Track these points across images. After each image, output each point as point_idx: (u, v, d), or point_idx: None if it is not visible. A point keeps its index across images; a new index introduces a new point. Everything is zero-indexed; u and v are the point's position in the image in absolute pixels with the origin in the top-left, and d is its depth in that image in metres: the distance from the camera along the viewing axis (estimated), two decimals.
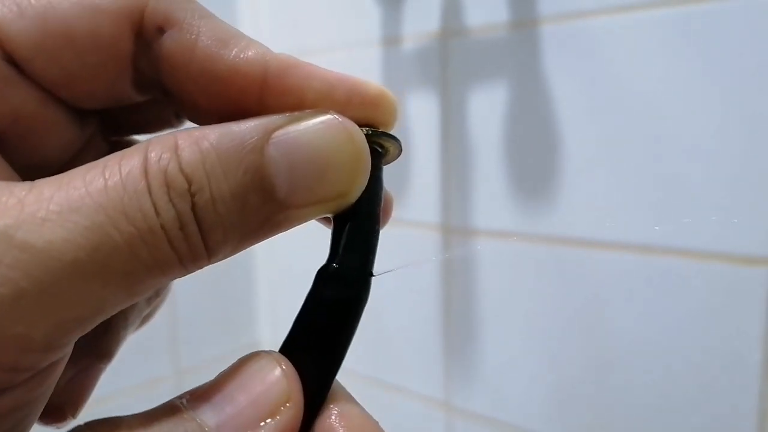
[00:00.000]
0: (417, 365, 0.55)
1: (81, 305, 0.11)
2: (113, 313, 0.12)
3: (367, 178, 0.14)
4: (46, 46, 0.13)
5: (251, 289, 0.69)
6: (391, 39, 0.53)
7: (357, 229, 0.14)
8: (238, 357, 0.14)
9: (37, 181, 0.12)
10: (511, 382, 0.49)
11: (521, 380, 0.48)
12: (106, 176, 0.12)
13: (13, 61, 0.13)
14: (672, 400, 0.41)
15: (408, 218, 0.53)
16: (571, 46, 0.42)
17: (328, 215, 0.14)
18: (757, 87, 0.36)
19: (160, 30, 0.14)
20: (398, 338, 0.56)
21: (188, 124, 0.16)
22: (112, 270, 0.11)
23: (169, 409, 0.12)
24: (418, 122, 0.52)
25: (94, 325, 0.12)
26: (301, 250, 0.52)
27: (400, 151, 0.16)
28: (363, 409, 0.14)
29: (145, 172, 0.12)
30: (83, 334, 0.12)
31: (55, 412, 0.17)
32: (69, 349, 0.13)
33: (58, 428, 0.17)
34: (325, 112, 0.14)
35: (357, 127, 0.14)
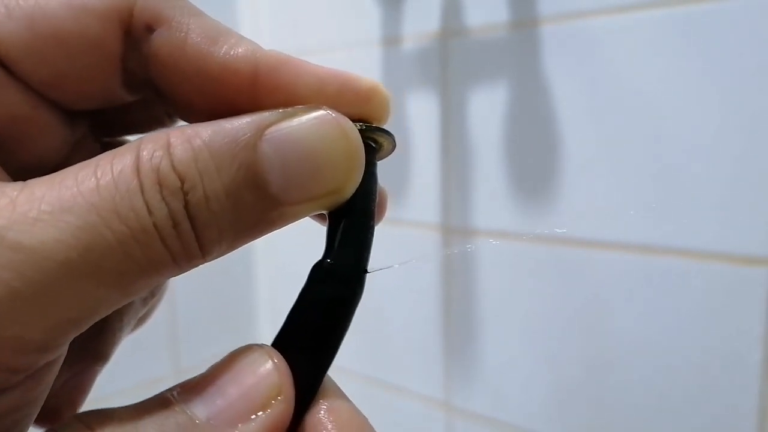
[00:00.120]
0: (417, 365, 0.55)
1: (75, 305, 0.11)
2: (107, 313, 0.12)
3: (362, 174, 0.14)
4: (34, 47, 0.13)
5: (251, 287, 0.69)
6: (391, 39, 0.53)
7: (351, 225, 0.14)
8: None
9: (29, 181, 0.12)
10: (511, 382, 0.49)
11: (521, 380, 0.48)
12: (98, 175, 0.12)
13: (1, 63, 0.13)
14: (672, 400, 0.41)
15: (408, 218, 0.53)
16: (571, 46, 0.42)
17: (323, 212, 0.14)
18: (757, 87, 0.36)
19: (149, 29, 0.14)
20: (398, 338, 0.56)
21: (180, 123, 0.16)
22: (105, 270, 0.11)
23: (160, 402, 0.12)
24: (418, 122, 0.52)
25: (88, 325, 0.12)
26: (301, 248, 0.52)
27: (394, 146, 0.16)
28: (352, 405, 0.14)
29: (137, 170, 0.12)
30: (78, 334, 0.12)
31: (51, 415, 0.17)
32: (64, 350, 0.13)
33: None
34: (318, 107, 0.13)
35: (350, 122, 0.14)
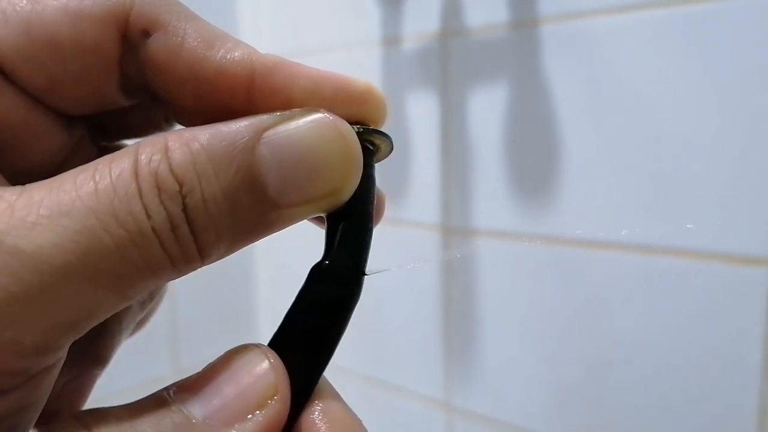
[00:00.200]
0: (417, 365, 0.55)
1: (73, 309, 0.11)
2: (106, 317, 0.12)
3: (360, 176, 0.14)
4: (31, 53, 0.13)
5: (251, 287, 0.69)
6: (391, 39, 0.53)
7: (350, 227, 0.14)
8: None
9: (27, 185, 0.12)
10: (511, 382, 0.49)
11: (521, 380, 0.48)
12: (97, 179, 0.12)
13: None
14: (672, 400, 0.41)
15: (408, 218, 0.53)
16: (571, 46, 0.42)
17: (321, 214, 0.14)
18: (757, 86, 0.36)
19: (146, 33, 0.14)
20: (398, 338, 0.56)
21: (177, 127, 0.16)
22: (104, 273, 0.11)
23: (156, 401, 0.12)
24: (418, 122, 0.52)
25: (87, 329, 0.12)
26: (301, 248, 0.52)
27: (392, 148, 0.16)
28: (347, 407, 0.14)
29: (136, 174, 0.12)
30: (77, 338, 0.12)
31: (51, 418, 0.17)
32: (63, 354, 0.13)
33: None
34: (315, 110, 0.14)
35: (348, 125, 0.14)
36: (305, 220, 0.14)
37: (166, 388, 0.13)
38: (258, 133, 0.13)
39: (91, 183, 0.12)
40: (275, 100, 0.14)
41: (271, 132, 0.13)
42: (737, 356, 0.38)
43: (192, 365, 0.57)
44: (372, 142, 0.15)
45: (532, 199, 0.46)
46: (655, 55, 0.39)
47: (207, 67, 0.14)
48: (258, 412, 0.13)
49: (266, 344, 0.14)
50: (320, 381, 0.14)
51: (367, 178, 0.15)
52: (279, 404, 0.13)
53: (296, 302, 0.14)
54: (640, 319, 0.41)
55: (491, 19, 0.46)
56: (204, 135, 0.13)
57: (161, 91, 0.14)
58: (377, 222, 0.16)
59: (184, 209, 0.12)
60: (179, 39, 0.14)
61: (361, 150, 0.14)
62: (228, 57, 0.14)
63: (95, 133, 0.17)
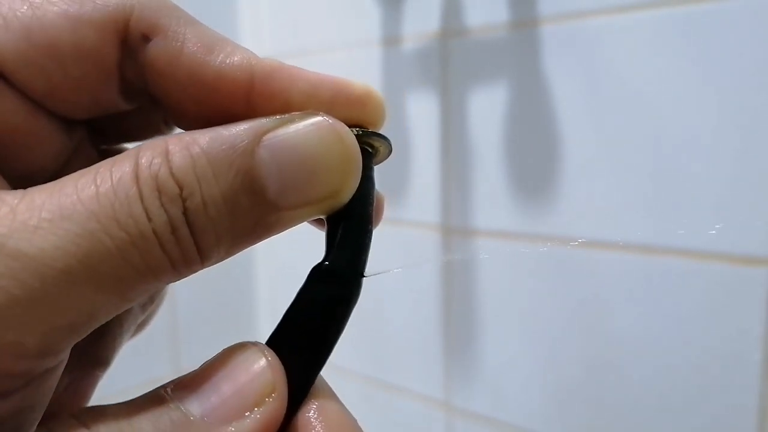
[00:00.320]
0: (417, 365, 0.55)
1: (74, 312, 0.11)
2: (107, 319, 0.12)
3: (359, 179, 0.14)
4: (31, 57, 0.13)
5: (251, 288, 0.69)
6: (391, 39, 0.53)
7: (349, 229, 0.15)
8: None
9: (29, 189, 0.12)
10: (511, 382, 0.49)
11: (521, 380, 0.48)
12: (98, 183, 0.12)
13: None
14: (672, 400, 0.41)
15: (408, 218, 0.53)
16: (571, 46, 0.42)
17: (321, 216, 0.14)
18: (756, 86, 0.36)
19: (146, 38, 0.14)
20: (398, 338, 0.56)
21: (177, 131, 0.16)
22: (105, 276, 0.11)
23: (154, 398, 0.13)
24: (418, 122, 0.52)
25: (88, 332, 0.12)
26: (301, 249, 0.52)
27: (390, 150, 0.16)
28: (343, 406, 0.14)
29: (137, 177, 0.12)
30: (78, 340, 0.12)
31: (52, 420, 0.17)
32: (65, 356, 0.13)
33: None
34: (315, 113, 0.14)
35: (347, 127, 0.14)
36: (305, 222, 0.15)
37: (164, 386, 0.13)
38: (257, 137, 0.13)
39: (92, 186, 0.12)
40: (274, 103, 0.14)
41: (270, 135, 0.13)
42: (737, 356, 0.38)
43: (192, 366, 0.57)
44: (371, 145, 0.15)
45: (532, 199, 0.46)
46: (655, 55, 0.39)
47: (207, 71, 0.14)
48: (255, 409, 0.13)
49: (264, 342, 0.14)
50: (317, 380, 0.14)
51: (367, 180, 0.15)
52: (276, 402, 0.13)
53: (295, 302, 0.14)
54: (640, 319, 0.41)
55: (491, 19, 0.46)
56: (204, 138, 0.13)
57: (161, 95, 0.14)
58: (377, 224, 0.16)
59: (185, 212, 0.12)
60: (179, 44, 0.14)
61: (360, 152, 0.14)
62: (227, 61, 0.14)
63: (95, 136, 0.17)
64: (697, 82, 0.38)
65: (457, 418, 0.52)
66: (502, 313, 0.49)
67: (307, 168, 0.13)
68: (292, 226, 0.14)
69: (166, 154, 0.12)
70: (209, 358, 0.14)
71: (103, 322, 0.12)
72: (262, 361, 0.13)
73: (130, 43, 0.14)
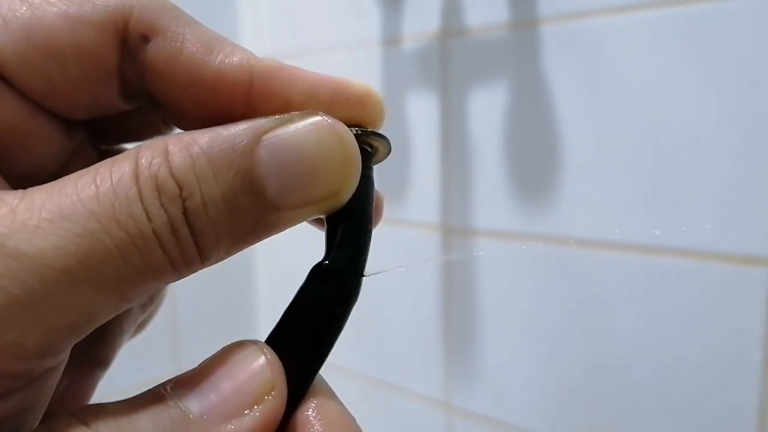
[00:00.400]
0: (417, 365, 0.55)
1: (74, 312, 0.12)
2: (107, 319, 0.12)
3: (358, 179, 0.14)
4: (31, 58, 0.13)
5: (251, 287, 0.69)
6: (391, 39, 0.53)
7: (349, 228, 0.15)
8: None
9: (28, 189, 0.12)
10: (511, 382, 0.49)
11: (521, 380, 0.48)
12: (98, 183, 0.12)
13: None
14: (672, 400, 0.41)
15: (408, 218, 0.53)
16: (571, 46, 0.42)
17: (321, 216, 0.14)
18: (756, 87, 0.36)
19: (145, 39, 0.14)
20: (398, 338, 0.56)
21: (177, 131, 0.16)
22: (105, 276, 0.11)
23: (153, 396, 0.13)
24: (418, 122, 0.52)
25: (88, 332, 0.12)
26: (301, 249, 0.52)
27: (389, 150, 0.16)
28: (341, 405, 0.14)
29: (136, 177, 0.12)
30: (78, 340, 0.12)
31: None
32: (65, 356, 0.13)
33: None
34: (314, 113, 0.14)
35: (346, 127, 0.14)
36: (305, 222, 0.15)
37: (164, 384, 0.13)
38: (257, 136, 0.13)
39: (92, 186, 0.12)
40: (274, 103, 0.14)
41: (270, 135, 0.13)
42: (737, 356, 0.38)
43: (192, 365, 0.57)
44: (370, 145, 0.15)
45: (532, 199, 0.46)
46: (655, 55, 0.39)
47: (206, 71, 0.14)
48: (255, 407, 0.13)
49: (263, 341, 0.14)
50: (316, 379, 0.14)
51: (366, 180, 0.15)
52: (276, 400, 0.13)
53: (295, 301, 0.14)
54: (640, 319, 0.41)
55: (491, 19, 0.46)
56: (203, 138, 0.13)
57: (161, 96, 0.14)
58: (376, 223, 0.16)
59: (185, 212, 0.12)
60: (178, 44, 0.14)
61: (359, 152, 0.14)
62: (227, 61, 0.14)
63: (95, 137, 0.17)
64: (697, 82, 0.38)
65: (457, 418, 0.52)
66: (502, 313, 0.49)
67: (306, 168, 0.13)
68: (291, 226, 0.14)
69: (166, 154, 0.12)
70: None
71: (103, 322, 0.12)
72: (261, 360, 0.13)
73: (129, 43, 0.14)
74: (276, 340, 0.14)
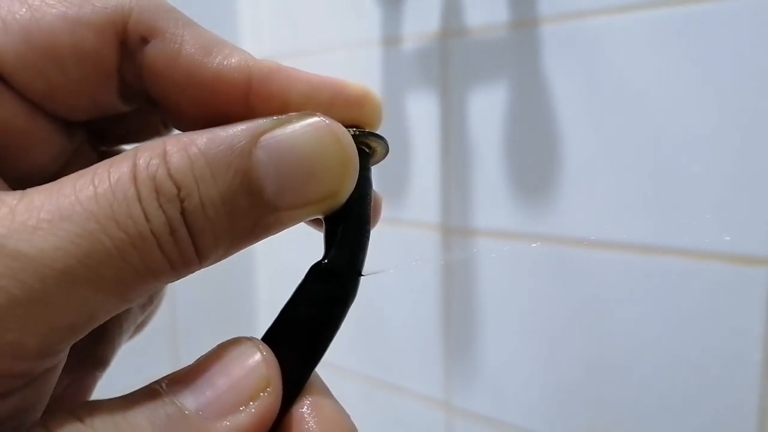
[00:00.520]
0: (417, 365, 0.55)
1: (73, 312, 0.12)
2: (106, 319, 0.12)
3: (356, 179, 0.14)
4: (30, 60, 0.13)
5: (251, 287, 0.69)
6: (391, 39, 0.53)
7: (348, 228, 0.15)
8: None
9: (28, 190, 0.12)
10: (511, 382, 0.49)
11: (521, 380, 0.48)
12: (96, 184, 0.12)
13: None
14: (672, 400, 0.41)
15: (408, 218, 0.53)
16: (571, 46, 0.42)
17: (319, 216, 0.14)
18: (756, 87, 0.36)
19: (144, 40, 0.14)
20: (398, 338, 0.56)
21: (176, 132, 0.17)
22: (104, 276, 0.12)
23: (149, 393, 0.13)
24: (418, 122, 0.52)
25: (87, 332, 0.12)
26: (301, 248, 0.52)
27: (387, 150, 0.16)
28: (336, 403, 0.14)
29: (135, 178, 0.12)
30: (77, 340, 0.12)
31: None
32: (64, 356, 0.13)
33: None
34: (312, 114, 0.14)
35: (344, 128, 0.14)
36: (303, 223, 0.15)
37: (159, 381, 0.13)
38: (255, 137, 0.13)
39: (91, 187, 0.12)
40: (272, 104, 0.14)
41: (268, 136, 0.13)
42: (737, 356, 0.38)
43: None
44: (368, 145, 0.16)
45: (532, 199, 0.46)
46: (655, 55, 0.39)
47: (205, 73, 0.14)
48: (250, 404, 0.13)
49: (260, 338, 0.14)
50: (312, 377, 0.14)
51: (364, 180, 0.15)
52: (271, 397, 0.13)
53: (292, 299, 0.14)
54: (640, 319, 0.41)
55: (491, 19, 0.46)
56: (202, 139, 0.13)
57: (159, 97, 0.15)
58: (374, 224, 0.16)
59: (183, 213, 0.12)
60: (177, 46, 0.14)
61: (357, 153, 0.14)
62: (225, 63, 0.14)
63: (94, 138, 0.17)
64: (697, 82, 0.38)
65: (457, 418, 0.52)
66: (502, 313, 0.49)
67: (304, 168, 0.13)
68: (290, 227, 0.14)
69: (164, 155, 0.12)
70: None
71: (103, 322, 0.12)
72: (257, 356, 0.13)
73: (128, 45, 0.14)
74: (272, 337, 0.14)
